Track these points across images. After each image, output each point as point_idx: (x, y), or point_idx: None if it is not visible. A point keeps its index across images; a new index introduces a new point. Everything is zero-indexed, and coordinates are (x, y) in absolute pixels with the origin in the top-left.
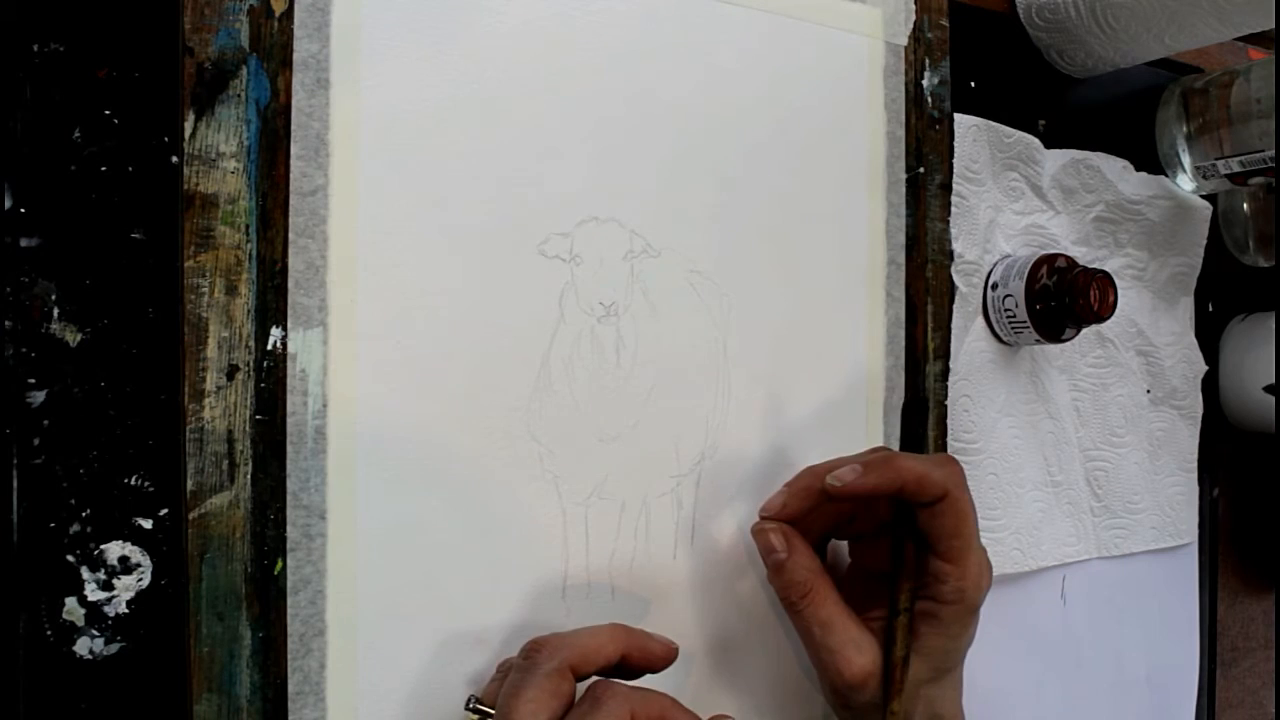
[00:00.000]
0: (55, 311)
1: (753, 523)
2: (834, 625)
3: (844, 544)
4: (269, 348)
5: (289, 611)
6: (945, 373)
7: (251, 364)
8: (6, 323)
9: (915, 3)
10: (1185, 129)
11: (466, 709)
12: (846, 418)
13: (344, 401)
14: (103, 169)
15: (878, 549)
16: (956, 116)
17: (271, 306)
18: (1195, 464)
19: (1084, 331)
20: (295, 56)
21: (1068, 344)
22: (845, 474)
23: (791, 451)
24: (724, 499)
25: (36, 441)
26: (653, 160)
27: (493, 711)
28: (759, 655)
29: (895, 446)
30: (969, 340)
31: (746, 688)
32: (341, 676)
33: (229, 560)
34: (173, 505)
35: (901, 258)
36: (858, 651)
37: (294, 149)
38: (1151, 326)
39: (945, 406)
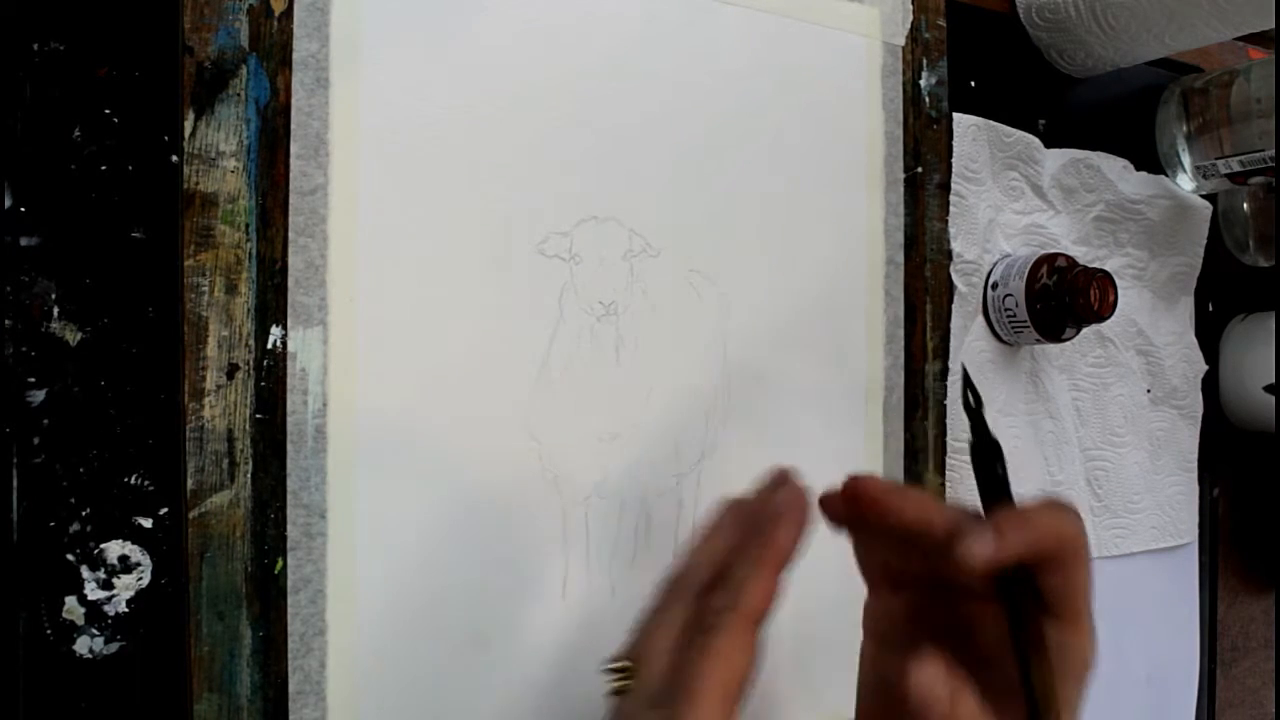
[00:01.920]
0: (55, 310)
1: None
2: None
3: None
4: (269, 347)
5: (289, 611)
6: (945, 372)
7: (251, 363)
8: (6, 322)
9: (912, 3)
10: (1185, 129)
11: (608, 669)
12: (846, 417)
13: (344, 401)
14: (103, 168)
15: (938, 610)
16: (956, 116)
17: (271, 305)
18: (1195, 464)
19: (1084, 331)
20: (295, 56)
21: (1068, 344)
22: (980, 549)
23: (791, 451)
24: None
25: (36, 441)
26: (652, 160)
27: (624, 663)
28: None
29: (896, 447)
30: (969, 340)
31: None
32: (342, 676)
33: (229, 559)
34: (173, 504)
35: (900, 257)
36: None
37: (294, 148)
38: (1151, 326)
39: (945, 406)
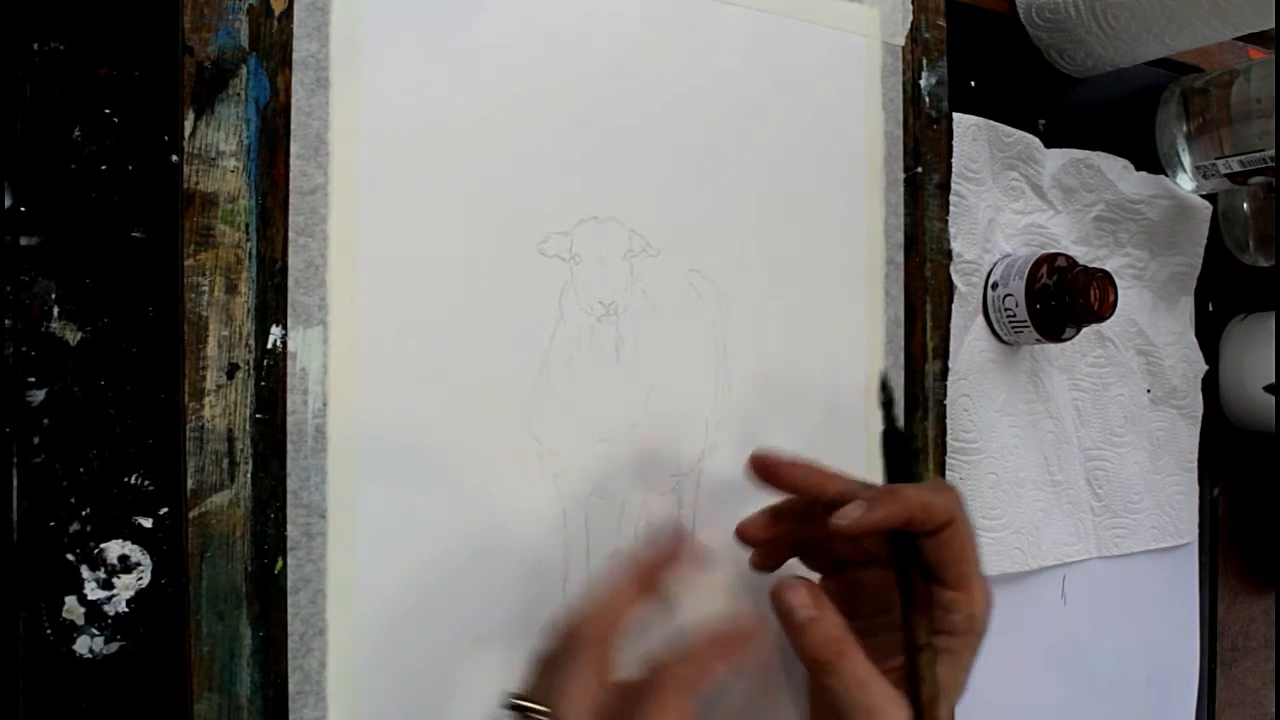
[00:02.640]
0: (55, 310)
1: (773, 584)
2: (872, 683)
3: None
4: (269, 346)
5: (289, 610)
6: (944, 372)
7: (251, 363)
8: (6, 321)
9: (912, 3)
10: (1185, 129)
11: (506, 707)
12: (846, 417)
13: (344, 401)
14: (103, 168)
15: (863, 585)
16: (956, 116)
17: (271, 305)
18: (1195, 464)
19: (1084, 331)
20: (295, 56)
21: (1068, 343)
22: (852, 511)
23: (791, 450)
24: (724, 498)
25: (36, 440)
26: (652, 159)
27: (537, 708)
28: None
29: None
30: (969, 340)
31: (746, 686)
32: (342, 676)
33: (229, 559)
34: (173, 504)
35: (900, 257)
36: (898, 707)
37: (294, 148)
38: (1151, 326)
39: (945, 406)
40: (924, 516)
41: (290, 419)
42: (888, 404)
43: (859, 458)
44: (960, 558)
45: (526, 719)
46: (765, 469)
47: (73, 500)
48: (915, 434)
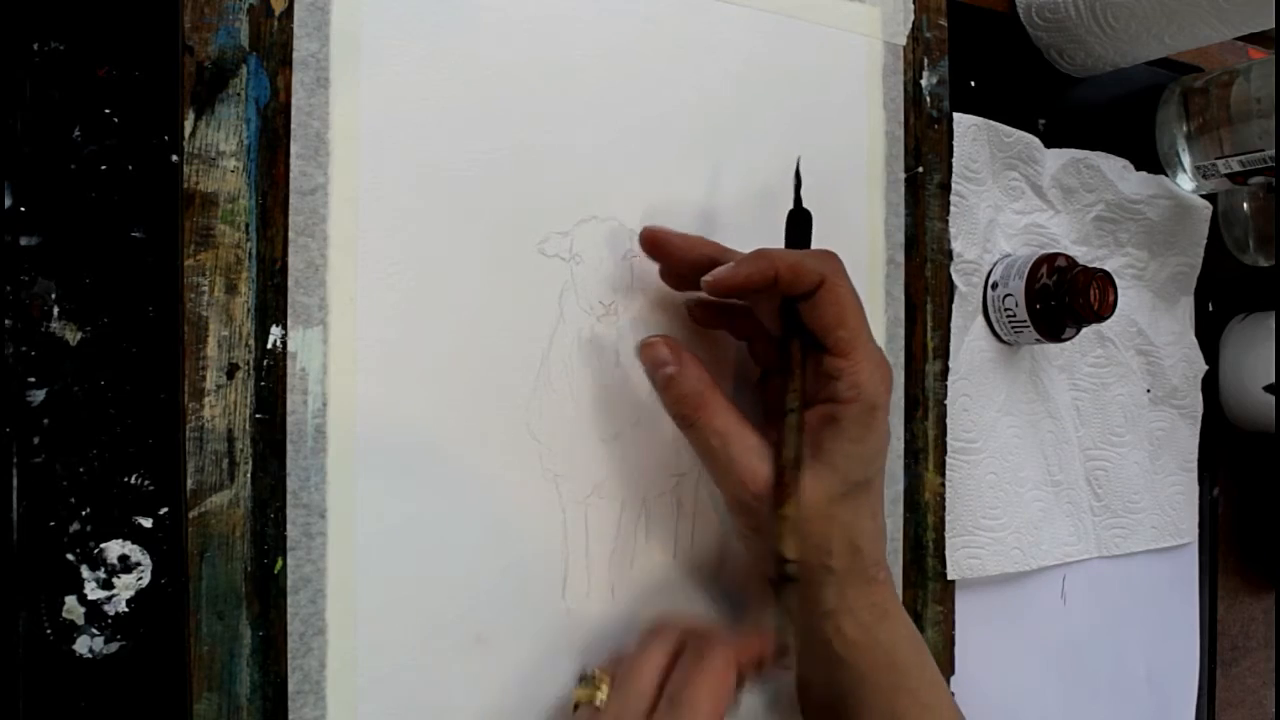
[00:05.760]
0: (55, 310)
1: (637, 341)
2: (731, 435)
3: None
4: (269, 346)
5: (289, 610)
6: (945, 372)
7: (251, 363)
8: (6, 321)
9: (914, 2)
10: (1185, 128)
11: (583, 681)
12: None
13: (344, 401)
14: (103, 168)
15: (772, 354)
16: (956, 116)
17: (271, 305)
18: (1195, 464)
19: (1084, 331)
20: (295, 55)
21: (1068, 343)
22: (720, 271)
23: None
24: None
25: (36, 440)
26: (653, 159)
27: (606, 676)
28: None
29: (897, 447)
30: (969, 339)
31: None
32: (341, 676)
33: (229, 559)
34: (173, 504)
35: (900, 257)
36: (760, 459)
37: (294, 148)
38: (1151, 326)
39: (945, 406)
40: (791, 277)
41: (290, 419)
42: (798, 186)
43: None
44: (838, 322)
45: (592, 693)
46: (653, 241)
47: (73, 500)
48: (915, 434)
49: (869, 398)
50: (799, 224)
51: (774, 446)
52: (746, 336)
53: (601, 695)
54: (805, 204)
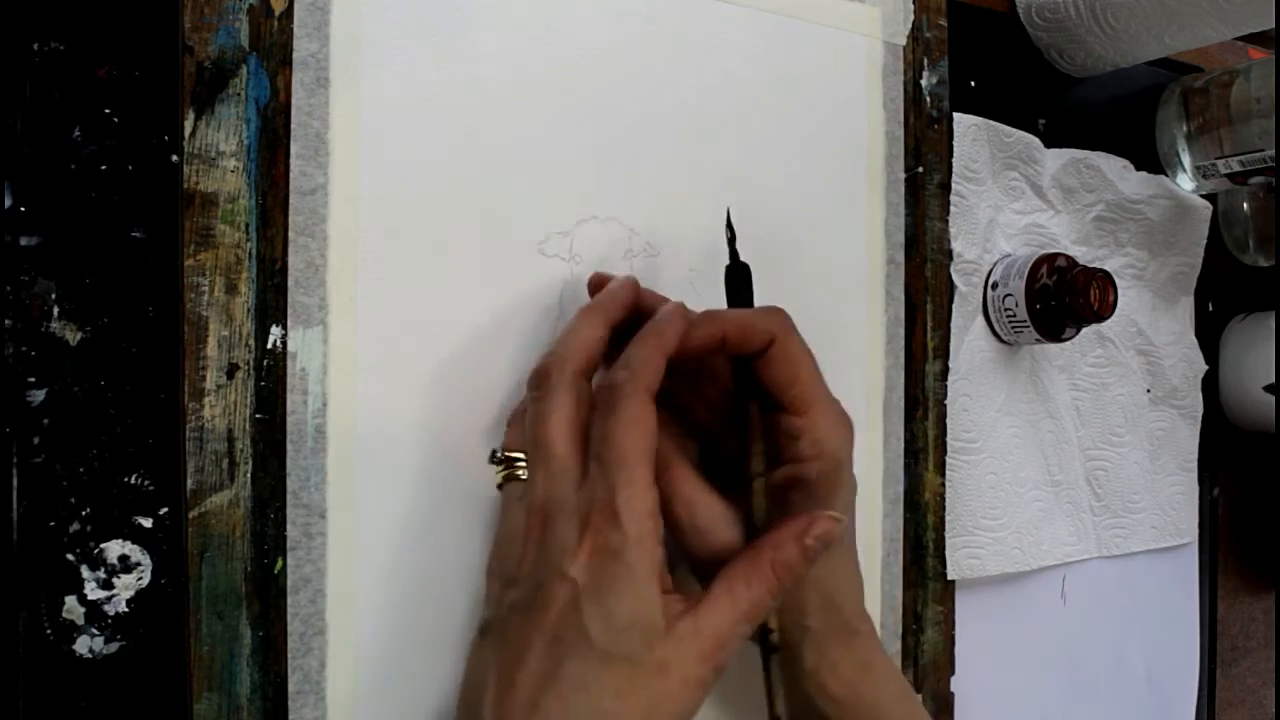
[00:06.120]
0: (55, 310)
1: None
2: (698, 503)
3: None
4: (269, 346)
5: (289, 610)
6: (945, 372)
7: (251, 363)
8: (6, 321)
9: (914, 2)
10: (1185, 128)
11: (492, 461)
12: None
13: (344, 400)
14: (103, 168)
15: (718, 418)
16: (956, 116)
17: (271, 305)
18: (1195, 464)
19: (1084, 331)
20: (295, 55)
21: (1068, 343)
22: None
23: None
24: None
25: (36, 440)
26: (653, 159)
27: (521, 455)
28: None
29: (896, 446)
30: (969, 340)
31: (745, 684)
32: (341, 676)
33: (229, 559)
34: (173, 504)
35: (900, 257)
36: (729, 527)
37: (294, 148)
38: (1151, 326)
39: (945, 406)
40: (740, 337)
41: (290, 419)
42: (731, 239)
43: (859, 458)
44: (792, 380)
45: (511, 470)
46: (599, 288)
47: (73, 500)
48: (915, 434)
49: (831, 454)
50: (738, 279)
51: (741, 512)
52: (687, 403)
53: (520, 473)
54: (805, 204)
